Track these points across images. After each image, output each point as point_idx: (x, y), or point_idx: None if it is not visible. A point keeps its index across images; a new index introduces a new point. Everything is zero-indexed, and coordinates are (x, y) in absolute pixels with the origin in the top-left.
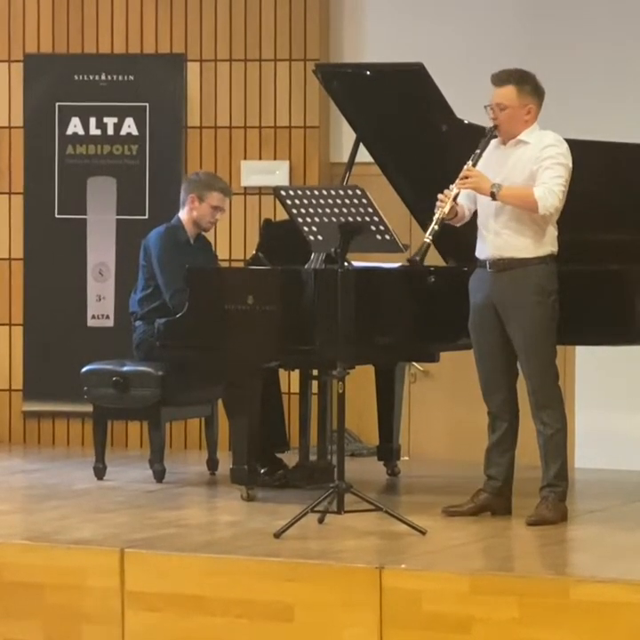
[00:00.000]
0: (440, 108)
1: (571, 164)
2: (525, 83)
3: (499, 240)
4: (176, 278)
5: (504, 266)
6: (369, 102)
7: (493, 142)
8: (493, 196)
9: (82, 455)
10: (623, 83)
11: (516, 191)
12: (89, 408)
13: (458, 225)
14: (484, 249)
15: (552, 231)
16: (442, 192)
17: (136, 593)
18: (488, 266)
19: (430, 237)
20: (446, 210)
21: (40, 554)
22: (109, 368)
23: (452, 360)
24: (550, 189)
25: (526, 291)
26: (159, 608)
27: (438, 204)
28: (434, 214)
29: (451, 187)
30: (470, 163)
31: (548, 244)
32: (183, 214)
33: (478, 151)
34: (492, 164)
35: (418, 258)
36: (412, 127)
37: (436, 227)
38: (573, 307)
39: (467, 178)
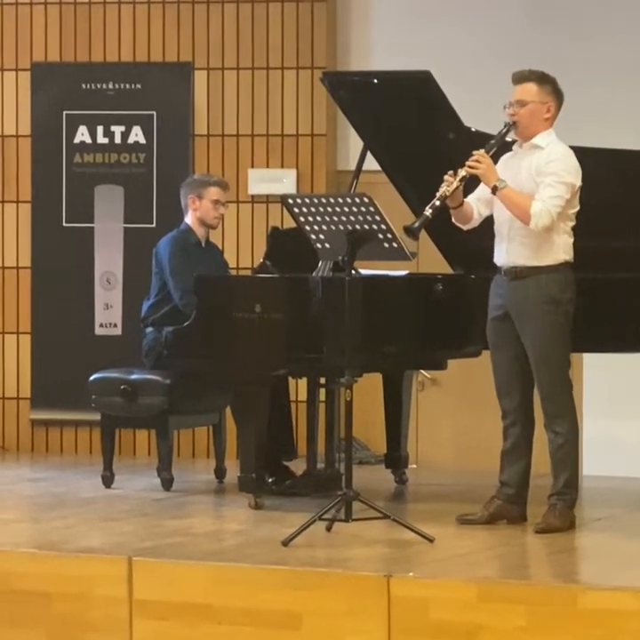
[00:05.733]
0: (447, 116)
1: (576, 181)
2: (546, 82)
3: (512, 247)
4: (185, 280)
5: (516, 274)
6: (376, 110)
7: (509, 153)
8: (494, 190)
9: (89, 463)
10: (637, 88)
11: (516, 196)
12: (97, 416)
13: (465, 227)
14: (500, 256)
15: (566, 239)
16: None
17: (143, 601)
18: (503, 273)
19: (430, 211)
20: (452, 188)
21: (47, 562)
22: (117, 376)
23: (459, 368)
24: (547, 209)
25: (537, 300)
26: (167, 617)
27: (444, 182)
28: (438, 191)
29: (459, 170)
30: (483, 150)
31: (562, 252)
32: (188, 218)
33: (493, 142)
34: (506, 169)
35: (416, 225)
36: (419, 135)
37: (438, 202)
38: (588, 315)
39: (477, 162)
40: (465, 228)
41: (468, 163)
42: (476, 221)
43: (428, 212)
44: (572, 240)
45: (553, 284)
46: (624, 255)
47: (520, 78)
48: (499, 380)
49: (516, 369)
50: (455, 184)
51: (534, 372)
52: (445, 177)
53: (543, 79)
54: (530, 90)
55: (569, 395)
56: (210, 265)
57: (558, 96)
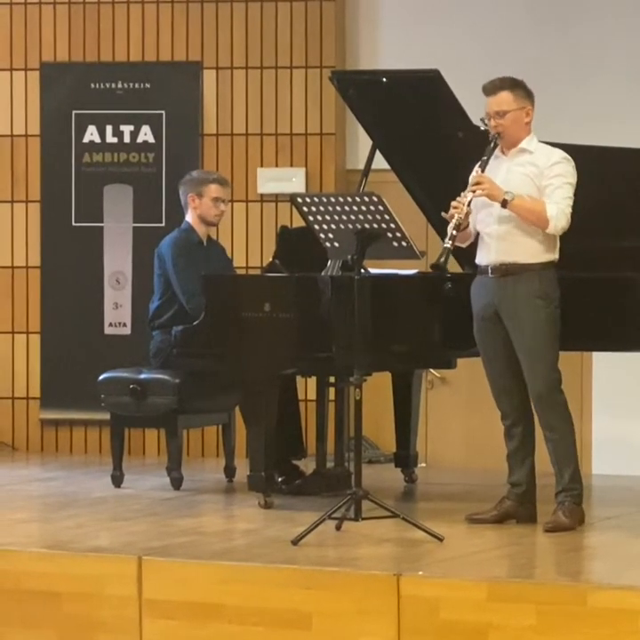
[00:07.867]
0: (456, 115)
1: (575, 183)
2: (517, 87)
3: (503, 245)
4: (192, 282)
5: (507, 271)
6: (385, 109)
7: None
8: (504, 204)
9: (99, 463)
10: (637, 87)
11: (528, 204)
12: (106, 416)
13: (465, 245)
14: (487, 255)
15: (555, 239)
16: (454, 199)
17: (153, 601)
18: (490, 272)
19: (450, 242)
20: (463, 214)
21: (57, 562)
22: (126, 376)
23: (468, 367)
24: (563, 211)
25: (529, 296)
26: (176, 616)
27: (452, 211)
28: (450, 221)
29: (462, 194)
30: (479, 169)
31: (551, 252)
32: (189, 216)
33: (485, 158)
34: (491, 175)
35: (442, 260)
36: (427, 134)
37: (454, 232)
38: (587, 313)
39: (478, 184)
40: (464, 245)
41: (470, 188)
42: (472, 238)
43: (448, 243)
44: (559, 242)
45: (545, 281)
46: (625, 254)
47: (492, 89)
48: (495, 382)
49: (511, 368)
50: (465, 209)
51: (528, 369)
52: (453, 203)
53: (514, 85)
54: (506, 99)
55: (561, 389)
56: (213, 263)
57: (531, 98)
